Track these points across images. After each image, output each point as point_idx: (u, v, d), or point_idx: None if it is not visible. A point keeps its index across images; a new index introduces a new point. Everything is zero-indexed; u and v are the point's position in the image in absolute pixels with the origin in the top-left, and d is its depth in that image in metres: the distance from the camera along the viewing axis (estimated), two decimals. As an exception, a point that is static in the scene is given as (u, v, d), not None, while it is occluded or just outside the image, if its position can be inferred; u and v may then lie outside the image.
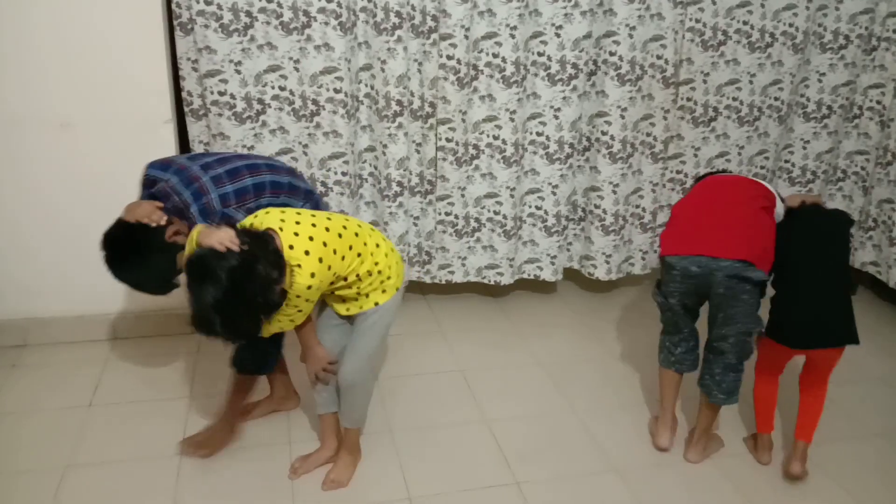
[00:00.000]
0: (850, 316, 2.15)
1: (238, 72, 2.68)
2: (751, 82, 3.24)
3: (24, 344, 2.81)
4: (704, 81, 3.20)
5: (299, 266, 1.70)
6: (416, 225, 3.11)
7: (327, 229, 1.80)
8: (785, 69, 3.24)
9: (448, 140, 3.03)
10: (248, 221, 1.80)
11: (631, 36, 2.95)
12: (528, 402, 2.63)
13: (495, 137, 3.05)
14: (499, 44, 2.89)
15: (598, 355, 2.98)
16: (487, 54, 2.91)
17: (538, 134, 3.09)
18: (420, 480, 2.18)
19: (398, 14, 2.73)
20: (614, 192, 3.20)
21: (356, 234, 1.89)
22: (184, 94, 2.72)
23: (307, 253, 1.72)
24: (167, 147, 2.70)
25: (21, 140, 2.58)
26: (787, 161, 3.48)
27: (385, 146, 2.92)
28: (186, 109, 2.74)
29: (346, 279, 1.88)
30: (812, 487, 2.23)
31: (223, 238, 1.63)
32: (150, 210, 1.95)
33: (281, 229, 1.72)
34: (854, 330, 2.15)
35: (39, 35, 2.47)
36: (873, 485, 2.26)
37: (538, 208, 3.22)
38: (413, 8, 2.75)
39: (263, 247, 1.66)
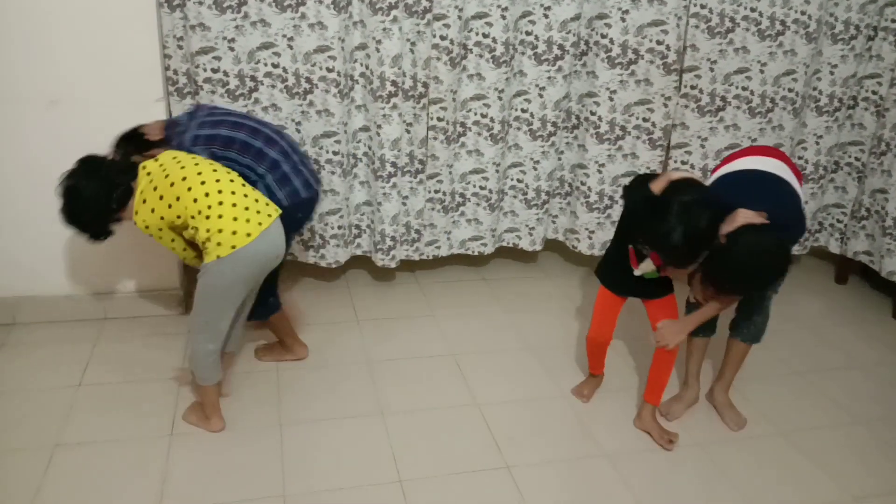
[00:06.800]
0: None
1: (231, 49, 2.65)
2: (762, 72, 3.15)
3: (13, 322, 2.78)
4: (711, 69, 3.12)
5: (136, 213, 2.11)
6: (405, 204, 3.10)
7: (172, 184, 2.05)
8: (799, 59, 3.13)
9: (439, 119, 3.02)
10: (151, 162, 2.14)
11: (623, 20, 2.94)
12: (517, 385, 2.63)
13: (483, 116, 3.05)
14: (489, 24, 2.88)
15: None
16: (477, 34, 2.90)
17: (522, 111, 3.11)
18: (410, 463, 2.20)
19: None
20: (600, 172, 3.21)
21: (204, 191, 2.03)
22: (169, 73, 2.68)
23: (144, 202, 2.09)
24: (158, 125, 2.66)
25: (9, 117, 2.53)
26: (800, 157, 3.38)
27: (379, 127, 2.90)
28: (171, 88, 2.69)
29: (187, 226, 2.07)
30: (797, 473, 2.27)
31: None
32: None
33: (151, 181, 2.09)
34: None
35: (27, 10, 2.41)
36: (857, 471, 2.29)
37: (519, 181, 3.26)
38: (408, -13, 2.72)
39: (97, 178, 2.11)
